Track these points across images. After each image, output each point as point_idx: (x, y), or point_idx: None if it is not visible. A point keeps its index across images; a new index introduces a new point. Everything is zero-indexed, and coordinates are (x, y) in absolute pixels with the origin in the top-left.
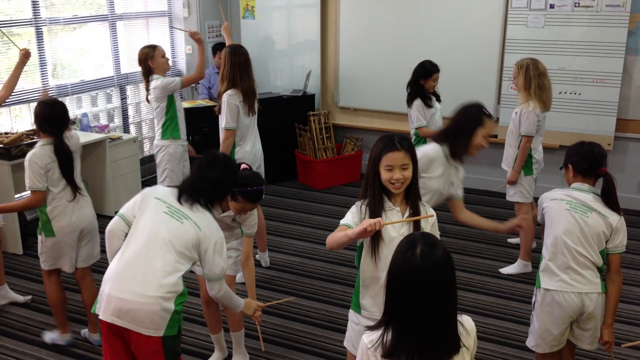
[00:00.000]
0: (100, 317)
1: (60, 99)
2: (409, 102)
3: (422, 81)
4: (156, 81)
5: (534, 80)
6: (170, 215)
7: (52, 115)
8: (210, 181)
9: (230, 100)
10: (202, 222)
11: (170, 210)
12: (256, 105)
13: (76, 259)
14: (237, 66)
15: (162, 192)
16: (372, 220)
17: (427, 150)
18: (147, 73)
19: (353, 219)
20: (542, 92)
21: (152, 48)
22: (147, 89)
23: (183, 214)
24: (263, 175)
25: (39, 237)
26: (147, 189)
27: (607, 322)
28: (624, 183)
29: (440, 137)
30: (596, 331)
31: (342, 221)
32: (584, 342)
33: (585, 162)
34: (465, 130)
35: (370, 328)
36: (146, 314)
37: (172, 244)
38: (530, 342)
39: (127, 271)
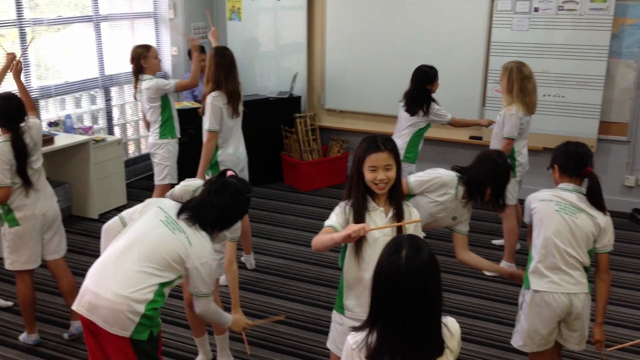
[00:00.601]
0: (73, 307)
1: (43, 101)
2: (421, 110)
3: (429, 86)
4: (149, 81)
5: (516, 83)
6: (166, 224)
7: (8, 110)
8: (217, 208)
9: (214, 102)
10: (195, 240)
11: (167, 220)
12: (241, 108)
13: (44, 252)
14: (222, 67)
15: (166, 204)
16: (357, 227)
17: (442, 174)
18: (138, 72)
19: (338, 220)
20: (524, 95)
21: (146, 48)
22: (136, 87)
23: (178, 227)
24: (247, 179)
25: (2, 230)
26: (153, 199)
27: (598, 321)
28: (607, 185)
29: (459, 173)
30: (584, 332)
31: (326, 222)
32: (572, 342)
33: (571, 162)
34: (491, 183)
35: (356, 329)
36: (112, 312)
37: (156, 251)
38: (516, 342)
39: (106, 267)
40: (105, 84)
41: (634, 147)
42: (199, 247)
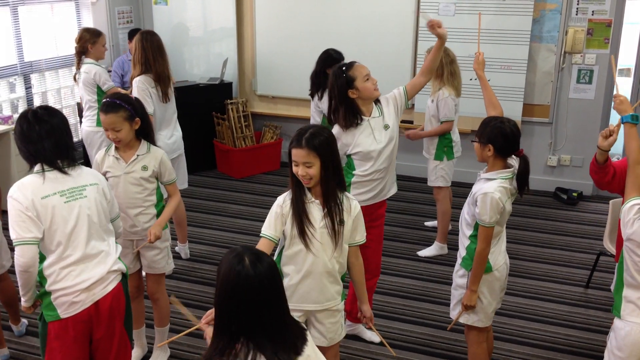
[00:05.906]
0: (77, 312)
1: None
2: (316, 94)
3: (329, 70)
4: (91, 66)
5: (445, 67)
6: (73, 199)
7: None
8: (60, 139)
9: (139, 85)
10: (91, 176)
11: (67, 196)
12: (171, 92)
13: None
14: (150, 50)
15: (41, 188)
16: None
17: None
18: (81, 53)
19: (272, 230)
20: (453, 78)
21: (96, 34)
22: (78, 68)
23: (79, 188)
24: (185, 166)
25: None
26: (20, 201)
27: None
28: (531, 165)
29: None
30: None
31: (262, 229)
32: None
33: (508, 145)
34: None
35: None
36: (107, 277)
37: (99, 218)
38: None
39: (82, 271)
40: (25, 70)
41: (555, 128)
42: (97, 174)
